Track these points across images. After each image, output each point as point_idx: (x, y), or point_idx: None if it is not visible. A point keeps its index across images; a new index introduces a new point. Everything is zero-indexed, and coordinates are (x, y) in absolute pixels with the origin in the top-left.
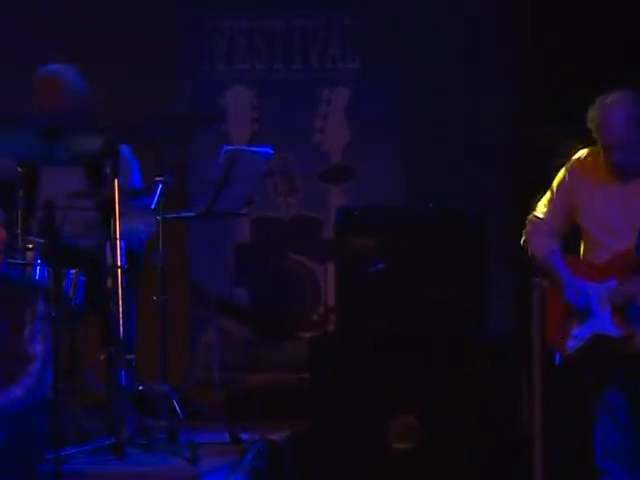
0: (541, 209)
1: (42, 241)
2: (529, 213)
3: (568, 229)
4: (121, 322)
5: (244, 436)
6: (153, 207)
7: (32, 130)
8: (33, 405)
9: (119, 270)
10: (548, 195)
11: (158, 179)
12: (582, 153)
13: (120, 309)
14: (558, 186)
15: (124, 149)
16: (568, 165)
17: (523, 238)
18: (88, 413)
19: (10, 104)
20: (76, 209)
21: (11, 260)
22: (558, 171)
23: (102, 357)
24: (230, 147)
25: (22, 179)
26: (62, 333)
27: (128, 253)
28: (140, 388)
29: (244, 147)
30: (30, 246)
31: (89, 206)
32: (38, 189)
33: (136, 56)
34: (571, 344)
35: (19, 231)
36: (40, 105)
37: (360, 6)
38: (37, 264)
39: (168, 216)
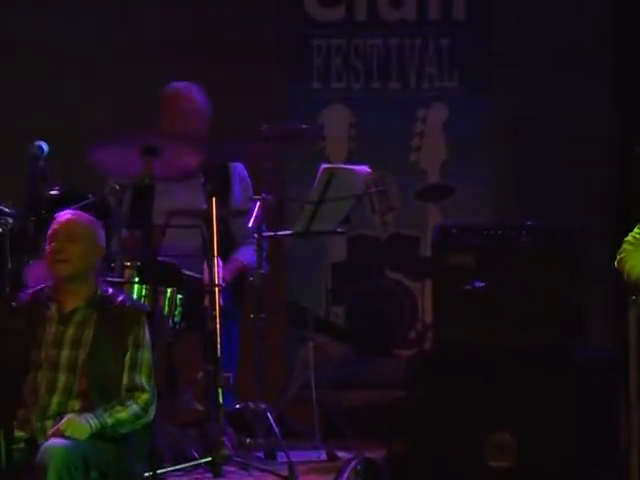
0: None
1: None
2: (629, 230)
3: None
4: (219, 340)
5: (341, 454)
6: (251, 225)
7: (136, 147)
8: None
9: (216, 288)
10: None
11: (256, 197)
12: None
13: (218, 327)
14: None
15: (236, 167)
16: None
17: (618, 257)
18: (186, 431)
19: (115, 122)
20: (175, 226)
21: (109, 278)
22: None
23: (200, 375)
24: (327, 165)
25: (132, 195)
26: (160, 351)
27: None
28: (238, 406)
29: (341, 165)
30: (128, 264)
31: (191, 223)
32: (152, 205)
33: (233, 74)
34: None
35: (117, 249)
36: (165, 121)
37: (456, 25)
38: (135, 282)
39: (266, 234)
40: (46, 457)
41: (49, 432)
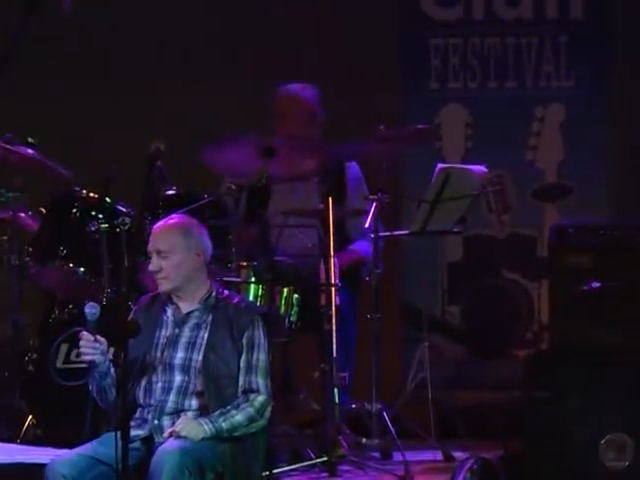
0: None
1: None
2: None
3: None
4: (335, 340)
5: (457, 454)
6: (367, 225)
7: (253, 147)
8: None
9: (333, 288)
10: None
11: (372, 197)
12: None
13: (334, 327)
14: None
15: (352, 167)
16: None
17: None
18: (302, 431)
19: (231, 123)
20: (291, 226)
21: (225, 278)
22: None
23: (316, 375)
24: (444, 165)
25: (248, 195)
26: (276, 351)
27: (352, 272)
28: (353, 406)
29: (458, 165)
30: (244, 264)
31: (307, 223)
32: (269, 205)
33: (351, 75)
34: None
35: (234, 249)
36: (278, 122)
37: (574, 24)
38: (251, 282)
39: (383, 234)
40: (160, 461)
41: (166, 433)
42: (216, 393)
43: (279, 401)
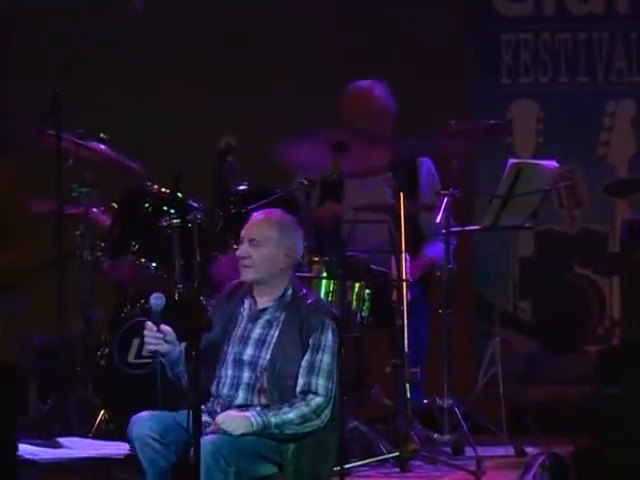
0: None
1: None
2: None
3: None
4: (406, 335)
5: (528, 449)
6: (439, 221)
7: (324, 143)
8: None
9: (404, 284)
10: None
11: (444, 192)
12: None
13: (405, 322)
14: None
15: (424, 163)
16: None
17: None
18: (374, 426)
19: (302, 118)
20: (363, 222)
21: (298, 273)
22: None
23: (388, 370)
24: (516, 160)
25: (321, 190)
26: (348, 347)
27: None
28: (425, 401)
29: (529, 160)
30: (316, 259)
31: (379, 219)
32: (341, 200)
33: (423, 70)
34: None
35: (305, 244)
36: (349, 118)
37: None
38: (323, 277)
39: (454, 229)
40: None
41: (210, 428)
42: (280, 392)
43: (351, 396)
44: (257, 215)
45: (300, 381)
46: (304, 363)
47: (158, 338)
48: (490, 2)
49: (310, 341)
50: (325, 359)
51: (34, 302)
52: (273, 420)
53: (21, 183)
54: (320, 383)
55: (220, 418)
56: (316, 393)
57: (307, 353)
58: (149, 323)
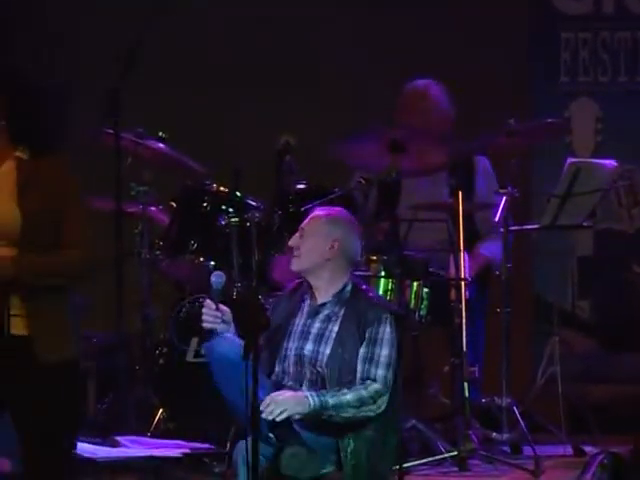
0: None
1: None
2: None
3: None
4: (464, 334)
5: (587, 449)
6: (497, 220)
7: (382, 142)
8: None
9: (462, 283)
10: None
11: (502, 191)
12: None
13: (464, 321)
14: None
15: (481, 162)
16: None
17: None
18: (432, 425)
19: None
20: (421, 220)
21: (356, 272)
22: None
23: (446, 369)
24: (574, 160)
25: (378, 189)
26: (406, 345)
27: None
28: (483, 400)
29: (588, 160)
30: (374, 258)
31: (437, 217)
32: (399, 199)
33: (482, 69)
34: None
35: (363, 243)
36: (405, 118)
37: None
38: (381, 276)
39: (512, 228)
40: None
41: (263, 405)
42: (339, 386)
43: (410, 395)
44: (316, 209)
45: (359, 368)
46: (361, 355)
47: (216, 316)
48: (550, 1)
49: (367, 334)
50: (383, 352)
51: (93, 301)
52: (331, 401)
53: (76, 182)
54: (379, 372)
55: (273, 398)
56: (374, 380)
57: (363, 346)
58: (208, 300)
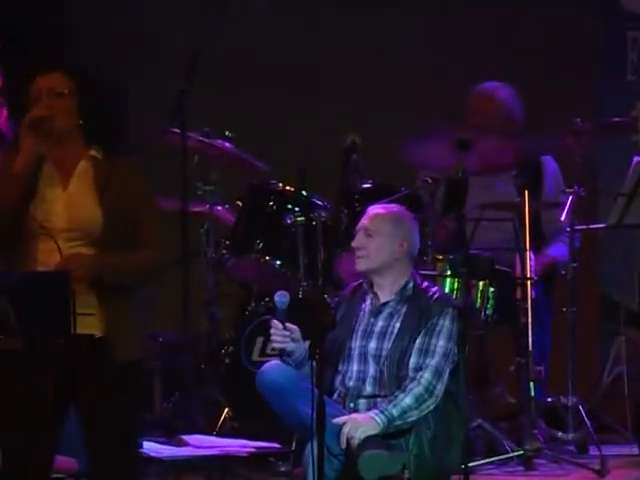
0: None
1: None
2: None
3: None
4: (530, 333)
5: None
6: (563, 219)
7: (449, 141)
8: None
9: (528, 282)
10: None
11: (568, 191)
12: None
13: (529, 320)
14: None
15: (548, 161)
16: None
17: None
18: (498, 424)
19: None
20: (487, 220)
21: (421, 271)
22: None
23: (512, 369)
24: None
25: (445, 188)
26: (472, 344)
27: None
28: (549, 400)
29: None
30: (440, 257)
31: (503, 217)
32: (465, 198)
33: (549, 68)
34: None
35: (430, 242)
36: (473, 120)
37: None
38: (447, 275)
39: (579, 228)
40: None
41: (342, 443)
42: (399, 382)
43: (475, 394)
44: (372, 208)
45: (412, 359)
46: (417, 345)
47: (284, 336)
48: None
49: (427, 326)
50: (440, 343)
51: (160, 300)
52: (394, 412)
53: (147, 183)
54: (431, 362)
55: (345, 427)
56: (425, 369)
57: (420, 335)
58: (275, 321)
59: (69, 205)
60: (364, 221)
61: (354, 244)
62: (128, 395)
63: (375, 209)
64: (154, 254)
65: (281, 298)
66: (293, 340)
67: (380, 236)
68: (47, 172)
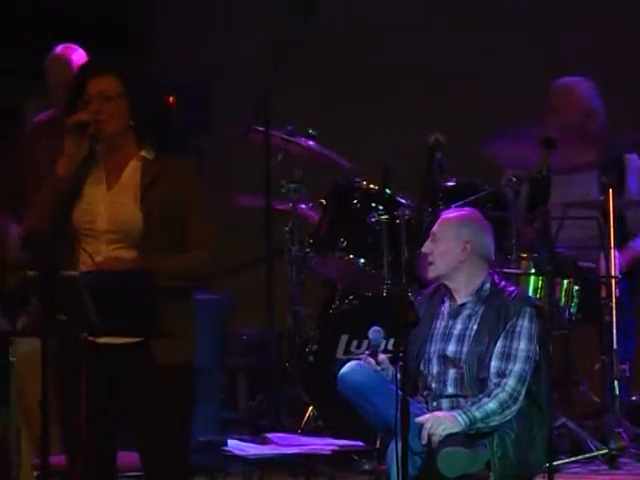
0: None
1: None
2: None
3: None
4: (615, 332)
5: None
6: None
7: (532, 139)
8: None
9: (613, 280)
10: None
11: None
12: None
13: (614, 319)
14: None
15: (631, 159)
16: None
17: None
18: (582, 423)
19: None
20: (571, 218)
21: (505, 270)
22: None
23: (596, 367)
24: None
25: (529, 187)
26: (556, 343)
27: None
28: (633, 398)
29: None
30: (524, 256)
31: (587, 215)
32: (549, 196)
33: (630, 63)
34: None
35: (514, 241)
36: (553, 116)
37: None
38: (531, 273)
39: None
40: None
41: (423, 440)
42: (479, 384)
43: (559, 393)
44: (444, 213)
45: (494, 364)
46: (498, 348)
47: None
48: None
49: (507, 328)
50: (521, 346)
51: (244, 298)
52: (477, 414)
53: (200, 184)
54: (514, 368)
55: (426, 421)
56: (509, 376)
57: (500, 338)
58: (369, 358)
59: (110, 206)
60: (434, 227)
61: (423, 249)
62: (173, 398)
63: (444, 214)
64: (204, 256)
65: (376, 335)
66: (383, 370)
67: (443, 240)
68: (97, 174)
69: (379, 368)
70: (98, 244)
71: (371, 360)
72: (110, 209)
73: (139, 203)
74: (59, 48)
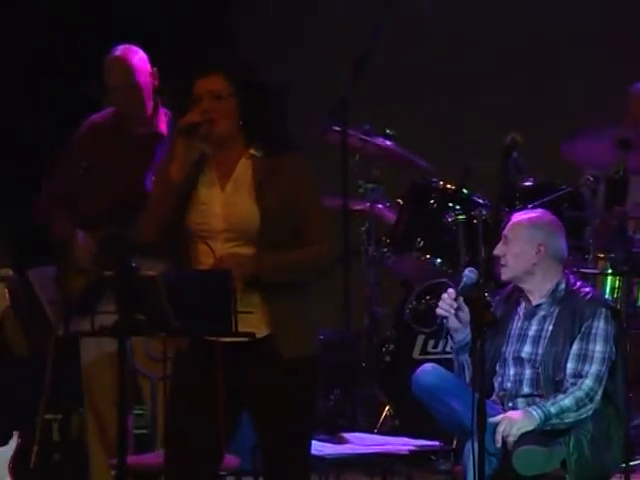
0: None
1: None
2: None
3: None
4: None
5: None
6: None
7: (609, 140)
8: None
9: None
10: None
11: None
12: None
13: None
14: None
15: None
16: None
17: None
18: None
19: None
20: None
21: (582, 269)
22: None
23: None
24: None
25: (606, 187)
26: (634, 342)
27: None
28: None
29: None
30: (601, 256)
31: None
32: (627, 197)
33: None
34: None
35: (591, 241)
36: (632, 119)
37: None
38: (608, 273)
39: None
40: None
41: (497, 442)
42: (555, 385)
43: (635, 393)
44: (515, 215)
45: (570, 365)
46: (574, 350)
47: (451, 305)
48: None
49: (582, 329)
50: (597, 348)
51: (321, 298)
52: (552, 410)
53: (313, 180)
54: (591, 369)
55: (500, 425)
56: (586, 377)
57: (576, 340)
58: (451, 290)
59: (226, 205)
60: (506, 229)
61: (495, 252)
62: (298, 392)
63: (515, 216)
64: (321, 250)
65: (470, 274)
66: (458, 318)
67: (516, 243)
68: (208, 174)
69: (455, 304)
70: (214, 243)
71: (452, 292)
72: (226, 209)
73: (255, 200)
74: (119, 49)
